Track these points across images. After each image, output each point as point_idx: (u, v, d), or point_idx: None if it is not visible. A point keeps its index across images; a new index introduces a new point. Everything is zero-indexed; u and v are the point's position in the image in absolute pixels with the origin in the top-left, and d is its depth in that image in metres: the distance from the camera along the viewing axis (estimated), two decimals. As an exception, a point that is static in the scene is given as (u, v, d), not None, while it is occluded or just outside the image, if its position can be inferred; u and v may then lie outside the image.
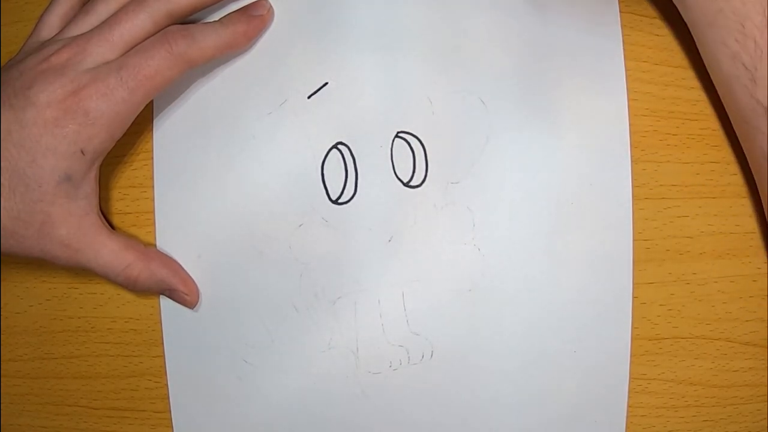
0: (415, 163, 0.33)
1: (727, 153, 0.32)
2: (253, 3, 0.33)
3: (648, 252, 0.32)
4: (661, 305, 0.32)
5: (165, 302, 0.34)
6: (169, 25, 0.31)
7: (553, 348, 0.32)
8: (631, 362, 0.32)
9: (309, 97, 0.33)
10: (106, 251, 0.31)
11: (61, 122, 0.28)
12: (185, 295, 0.33)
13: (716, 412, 0.32)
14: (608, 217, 0.32)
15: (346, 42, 0.33)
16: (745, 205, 0.32)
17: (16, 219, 0.29)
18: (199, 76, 0.34)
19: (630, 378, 0.32)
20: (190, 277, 0.33)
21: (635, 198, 0.32)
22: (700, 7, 0.28)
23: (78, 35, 0.30)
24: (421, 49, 0.33)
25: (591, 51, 0.32)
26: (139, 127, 0.34)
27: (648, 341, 0.32)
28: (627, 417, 0.32)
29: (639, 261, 0.32)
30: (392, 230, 0.33)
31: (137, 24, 0.30)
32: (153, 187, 0.34)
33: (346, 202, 0.33)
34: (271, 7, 0.33)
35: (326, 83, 0.33)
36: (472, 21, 0.33)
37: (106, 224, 0.32)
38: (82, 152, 0.29)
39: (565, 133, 0.32)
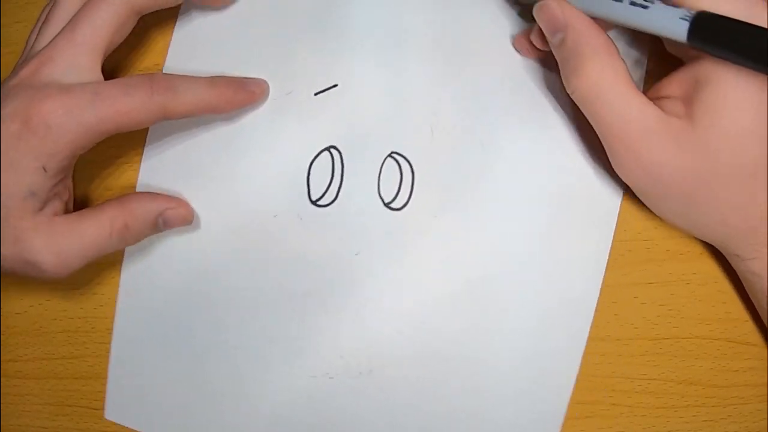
0: (400, 186, 0.33)
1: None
2: (251, 79, 0.33)
3: (648, 252, 0.32)
4: (661, 305, 0.32)
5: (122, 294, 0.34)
6: (134, 19, 0.30)
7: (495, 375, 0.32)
8: (630, 362, 0.32)
9: (316, 95, 0.33)
10: (88, 232, 0.29)
11: (23, 135, 0.27)
12: (176, 209, 0.32)
13: (716, 412, 0.32)
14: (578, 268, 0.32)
15: (363, 50, 0.33)
16: (745, 205, 0.32)
17: None
18: (212, 50, 0.34)
19: (628, 378, 0.32)
20: (169, 194, 0.33)
21: (635, 198, 0.32)
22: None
23: (44, 46, 0.29)
24: (433, 78, 0.33)
25: None
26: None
27: (648, 341, 0.32)
28: (626, 417, 0.32)
29: (639, 261, 0.32)
30: (362, 245, 0.33)
31: (98, 22, 0.29)
32: (141, 161, 0.34)
33: (324, 205, 0.33)
34: (267, 90, 0.33)
35: (336, 85, 0.33)
36: (486, 68, 0.33)
37: (75, 212, 0.31)
38: (44, 169, 0.28)
39: (562, 187, 0.32)
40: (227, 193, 0.34)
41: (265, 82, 0.33)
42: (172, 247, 0.34)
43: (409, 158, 0.33)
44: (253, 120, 0.34)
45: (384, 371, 0.33)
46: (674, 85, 0.28)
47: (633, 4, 0.26)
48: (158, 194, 0.33)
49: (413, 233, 0.33)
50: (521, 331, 0.32)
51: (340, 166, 0.33)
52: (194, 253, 0.34)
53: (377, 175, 0.33)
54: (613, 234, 0.32)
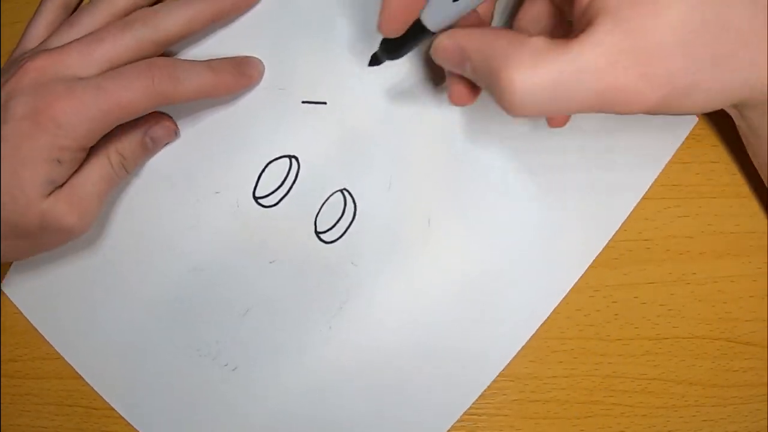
0: (338, 222, 0.33)
1: (727, 153, 0.32)
2: (247, 59, 0.33)
3: (648, 252, 0.32)
4: (661, 305, 0.32)
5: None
6: (154, 52, 0.31)
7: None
8: (630, 362, 0.32)
9: (303, 102, 0.34)
10: (94, 177, 0.31)
11: (35, 134, 0.28)
12: (157, 124, 0.33)
13: (716, 412, 0.32)
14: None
15: (364, 84, 0.33)
16: (745, 205, 0.32)
17: (15, 226, 0.29)
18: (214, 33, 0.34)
19: (628, 378, 0.32)
20: (150, 114, 0.33)
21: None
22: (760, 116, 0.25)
23: (58, 47, 0.30)
24: (421, 164, 0.33)
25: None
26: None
27: (648, 341, 0.32)
28: (626, 417, 0.32)
29: (639, 261, 0.32)
30: (279, 256, 0.34)
31: (120, 46, 0.30)
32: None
33: (263, 205, 0.34)
34: (263, 70, 0.33)
35: (325, 103, 0.33)
36: (464, 146, 0.33)
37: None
38: (58, 161, 0.29)
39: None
40: (183, 156, 0.34)
41: (260, 62, 0.33)
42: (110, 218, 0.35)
43: (357, 202, 0.33)
44: (235, 101, 0.34)
45: (248, 373, 0.34)
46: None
47: None
48: (139, 118, 0.33)
49: (330, 269, 0.33)
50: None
51: (293, 178, 0.33)
52: (128, 197, 0.34)
53: (322, 203, 0.33)
54: (609, 238, 0.32)
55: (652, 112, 0.22)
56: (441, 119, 0.33)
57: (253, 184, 0.34)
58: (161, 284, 0.34)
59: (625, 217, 0.32)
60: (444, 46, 0.25)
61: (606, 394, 0.32)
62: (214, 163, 0.34)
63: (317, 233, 0.33)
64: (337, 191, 0.33)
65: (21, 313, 0.36)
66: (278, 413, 0.33)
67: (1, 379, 0.36)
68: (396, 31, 0.26)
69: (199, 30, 0.32)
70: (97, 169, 0.31)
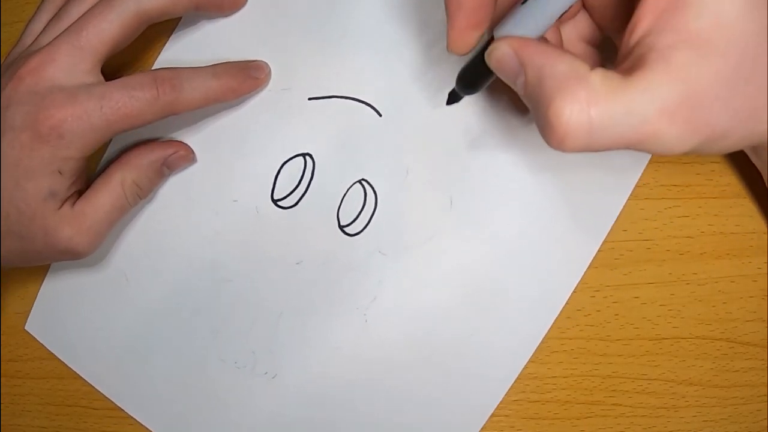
0: (360, 213, 0.33)
1: (727, 153, 0.32)
2: (253, 63, 0.33)
3: (648, 252, 0.32)
4: (661, 305, 0.32)
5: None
6: (141, 28, 0.30)
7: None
8: (630, 362, 0.32)
9: (310, 99, 0.33)
10: (105, 202, 0.31)
11: (36, 145, 0.28)
12: (176, 153, 0.33)
13: (716, 412, 0.32)
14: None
15: (368, 74, 0.33)
16: (745, 205, 0.32)
17: (21, 238, 0.29)
18: (213, 37, 0.34)
19: (628, 378, 0.32)
20: (166, 140, 0.33)
21: (635, 198, 0.32)
22: None
23: (47, 44, 0.29)
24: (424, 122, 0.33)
25: None
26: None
27: (648, 341, 0.32)
28: (626, 417, 0.32)
29: (639, 261, 0.32)
30: (305, 256, 0.33)
31: (105, 26, 0.29)
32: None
33: (283, 207, 0.33)
34: (269, 72, 0.33)
35: (332, 97, 0.33)
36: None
37: (88, 188, 0.32)
38: (59, 172, 0.29)
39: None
40: (196, 171, 0.34)
41: (266, 64, 0.33)
42: (129, 228, 0.34)
43: (377, 190, 0.33)
44: (241, 106, 0.34)
45: (289, 377, 0.33)
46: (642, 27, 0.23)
47: None
48: (155, 143, 0.33)
49: (359, 261, 0.33)
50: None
51: (309, 175, 0.33)
52: (147, 214, 0.34)
53: (342, 196, 0.33)
54: (602, 240, 0.32)
55: (684, 153, 0.23)
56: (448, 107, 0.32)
57: (271, 188, 0.33)
58: (190, 301, 0.34)
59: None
60: (501, 55, 0.23)
61: (606, 395, 0.32)
62: (228, 173, 0.34)
63: (341, 227, 0.33)
64: (355, 182, 0.33)
65: (21, 313, 0.36)
66: (321, 413, 0.33)
67: (1, 379, 0.36)
68: (467, 45, 0.25)
69: (182, 12, 0.31)
70: (109, 199, 0.31)
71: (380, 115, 0.33)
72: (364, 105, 0.33)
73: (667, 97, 0.21)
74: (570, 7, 0.22)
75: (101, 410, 0.35)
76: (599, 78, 0.22)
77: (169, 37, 0.35)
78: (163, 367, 0.34)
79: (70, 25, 0.30)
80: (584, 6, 0.25)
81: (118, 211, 0.31)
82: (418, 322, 0.33)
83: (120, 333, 0.34)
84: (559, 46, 0.26)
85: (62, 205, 0.30)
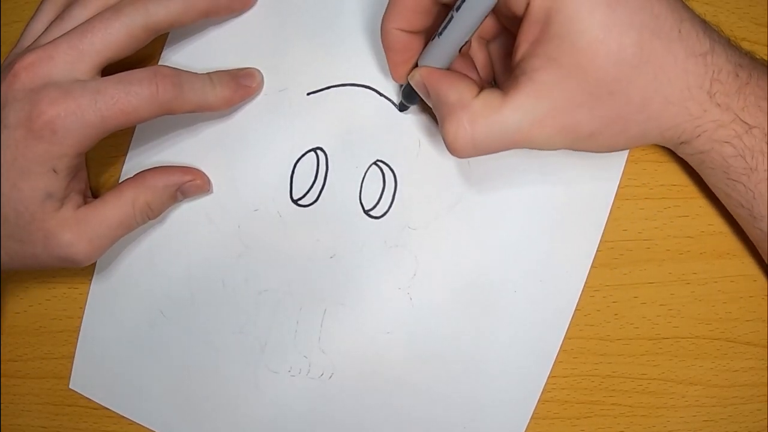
0: (382, 194, 0.33)
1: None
2: (245, 71, 0.33)
3: (648, 252, 0.32)
4: (661, 305, 0.32)
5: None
6: (149, 38, 0.30)
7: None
8: (630, 362, 0.32)
9: (308, 94, 0.33)
10: (112, 216, 0.30)
11: (30, 142, 0.27)
12: (193, 182, 0.32)
13: (716, 412, 0.32)
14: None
15: (361, 55, 0.33)
16: (745, 205, 0.32)
17: (21, 242, 0.29)
18: (208, 43, 0.34)
19: (628, 378, 0.32)
20: (184, 165, 0.33)
21: (635, 198, 0.32)
22: (689, 156, 0.29)
23: (47, 42, 0.29)
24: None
25: None
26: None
27: (648, 341, 0.32)
28: (626, 417, 0.32)
29: (639, 261, 0.32)
30: (337, 249, 0.33)
31: (111, 33, 0.28)
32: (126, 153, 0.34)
33: (304, 205, 0.33)
34: (261, 79, 0.33)
35: (329, 87, 0.33)
36: None
37: (97, 198, 0.31)
38: (54, 171, 0.28)
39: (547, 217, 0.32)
40: (212, 190, 0.34)
41: (258, 72, 0.33)
42: (149, 240, 0.34)
43: (394, 168, 0.33)
44: (243, 115, 0.33)
45: (346, 373, 0.33)
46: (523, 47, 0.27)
47: (443, 28, 0.27)
48: (173, 168, 0.33)
49: (391, 242, 0.33)
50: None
51: (324, 168, 0.33)
52: (172, 244, 0.34)
53: (360, 182, 0.33)
54: (599, 238, 0.32)
55: (564, 149, 0.28)
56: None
57: (288, 189, 0.33)
58: (230, 323, 0.34)
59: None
60: (416, 82, 0.29)
61: (606, 394, 0.32)
62: (243, 184, 0.33)
63: (366, 212, 0.33)
64: (371, 165, 0.33)
65: (21, 313, 0.36)
66: (383, 400, 0.33)
67: (1, 379, 0.36)
68: (403, 76, 0.30)
69: (191, 22, 0.31)
70: (117, 214, 0.31)
71: (381, 95, 0.33)
72: (363, 88, 0.33)
73: (535, 111, 0.26)
74: (466, 44, 0.27)
75: (101, 410, 0.35)
76: (480, 102, 0.27)
77: (162, 44, 0.35)
78: (216, 396, 0.34)
79: (74, 29, 0.29)
80: (506, 28, 0.30)
81: (124, 228, 0.31)
82: (462, 294, 0.32)
83: (165, 370, 0.34)
84: (486, 62, 0.31)
85: (62, 206, 0.29)
